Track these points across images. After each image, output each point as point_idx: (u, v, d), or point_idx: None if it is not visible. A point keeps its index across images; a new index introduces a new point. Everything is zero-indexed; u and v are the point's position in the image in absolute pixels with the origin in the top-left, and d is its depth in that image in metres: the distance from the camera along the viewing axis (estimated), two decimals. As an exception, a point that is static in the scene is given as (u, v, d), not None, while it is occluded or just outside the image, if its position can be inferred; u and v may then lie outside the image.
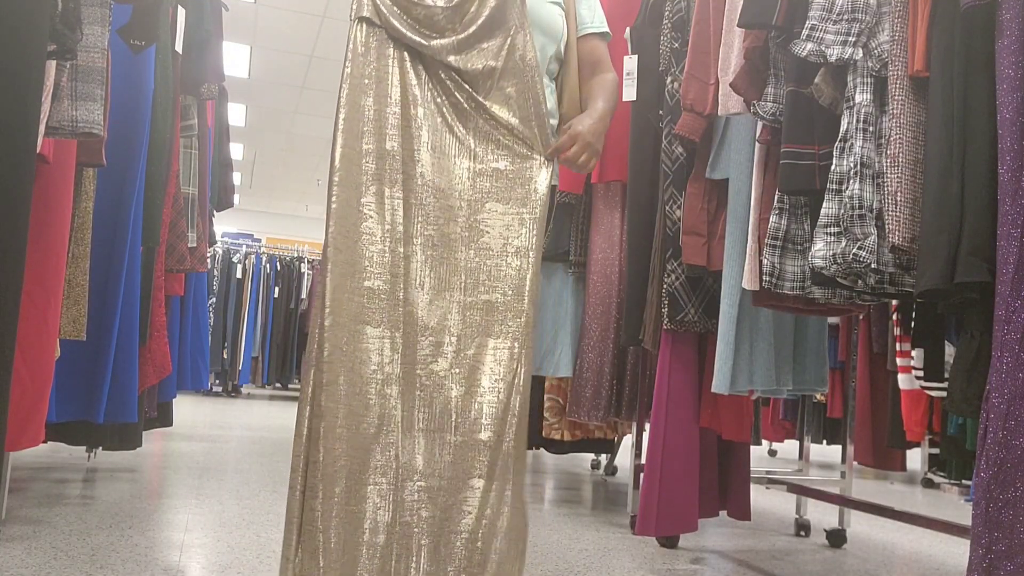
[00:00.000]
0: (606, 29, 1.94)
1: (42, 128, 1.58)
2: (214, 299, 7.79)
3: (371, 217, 1.68)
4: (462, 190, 1.73)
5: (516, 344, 1.71)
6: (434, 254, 1.71)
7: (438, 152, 1.73)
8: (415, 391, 1.65)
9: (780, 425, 4.98)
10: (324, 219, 1.71)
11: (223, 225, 10.55)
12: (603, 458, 4.45)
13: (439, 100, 1.74)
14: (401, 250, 1.69)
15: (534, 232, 1.76)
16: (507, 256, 1.73)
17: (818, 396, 4.59)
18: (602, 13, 1.97)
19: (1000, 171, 1.40)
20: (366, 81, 1.70)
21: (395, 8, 1.70)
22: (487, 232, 1.73)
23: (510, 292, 1.73)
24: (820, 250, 1.75)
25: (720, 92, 2.18)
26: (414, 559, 1.59)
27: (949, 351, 2.67)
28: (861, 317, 3.40)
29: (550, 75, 1.88)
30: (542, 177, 1.78)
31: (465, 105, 1.74)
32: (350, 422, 1.59)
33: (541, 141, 1.77)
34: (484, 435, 1.65)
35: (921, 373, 2.83)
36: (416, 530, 1.59)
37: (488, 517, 1.61)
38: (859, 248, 1.68)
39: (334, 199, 1.66)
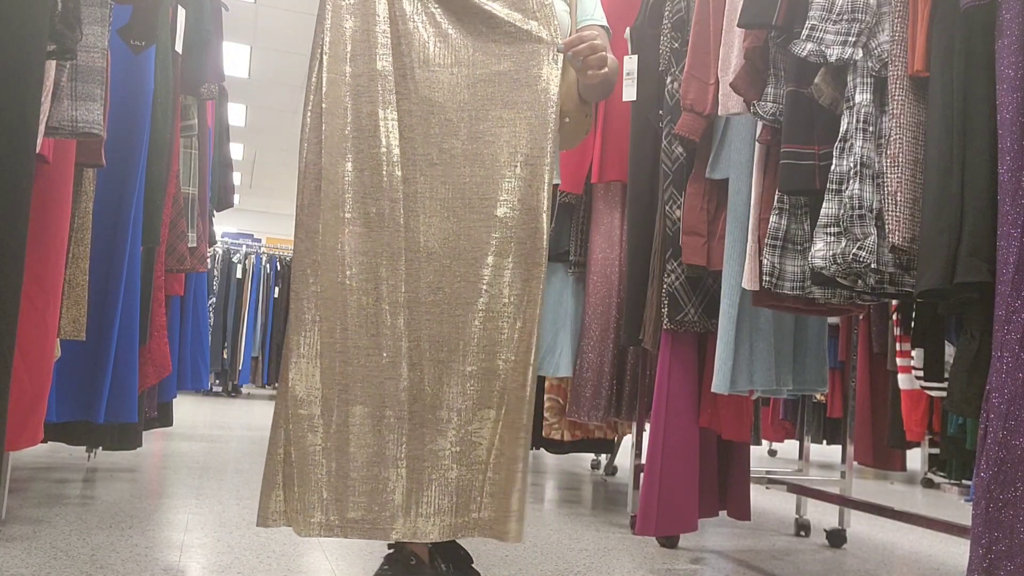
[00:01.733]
0: (606, 24, 1.92)
1: (42, 128, 1.58)
2: (214, 299, 7.80)
3: (364, 142, 1.56)
4: (461, 100, 1.59)
5: (528, 263, 1.58)
6: (434, 173, 1.58)
7: (433, 64, 1.59)
8: (422, 319, 1.54)
9: (780, 425, 4.98)
10: (305, 151, 1.57)
11: (223, 225, 10.54)
12: (603, 458, 4.45)
13: (432, 8, 1.61)
14: (399, 173, 1.56)
15: (546, 138, 1.60)
16: (515, 167, 1.59)
17: (818, 396, 4.59)
18: (602, 11, 1.96)
19: (1000, 171, 1.40)
20: (347, 2, 1.59)
21: None
22: (492, 142, 1.59)
23: (519, 206, 1.58)
24: (820, 250, 1.75)
25: (720, 92, 2.18)
26: (424, 492, 1.52)
27: (949, 351, 2.67)
28: (861, 317, 3.40)
29: None
30: (551, 76, 1.62)
31: (461, 8, 1.61)
32: (352, 356, 1.51)
33: (548, 34, 1.63)
34: (494, 363, 1.54)
35: (921, 373, 2.83)
36: (427, 464, 1.51)
37: (498, 448, 1.53)
38: (859, 248, 1.68)
39: (324, 128, 1.55)
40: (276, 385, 8.91)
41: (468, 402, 1.55)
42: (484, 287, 1.57)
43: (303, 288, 1.55)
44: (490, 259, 1.58)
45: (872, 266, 1.68)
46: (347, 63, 1.58)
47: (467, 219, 1.58)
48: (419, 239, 1.57)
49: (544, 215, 1.59)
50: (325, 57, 1.58)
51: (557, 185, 1.79)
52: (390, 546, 1.76)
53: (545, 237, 1.60)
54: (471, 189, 1.59)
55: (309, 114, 1.59)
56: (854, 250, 1.68)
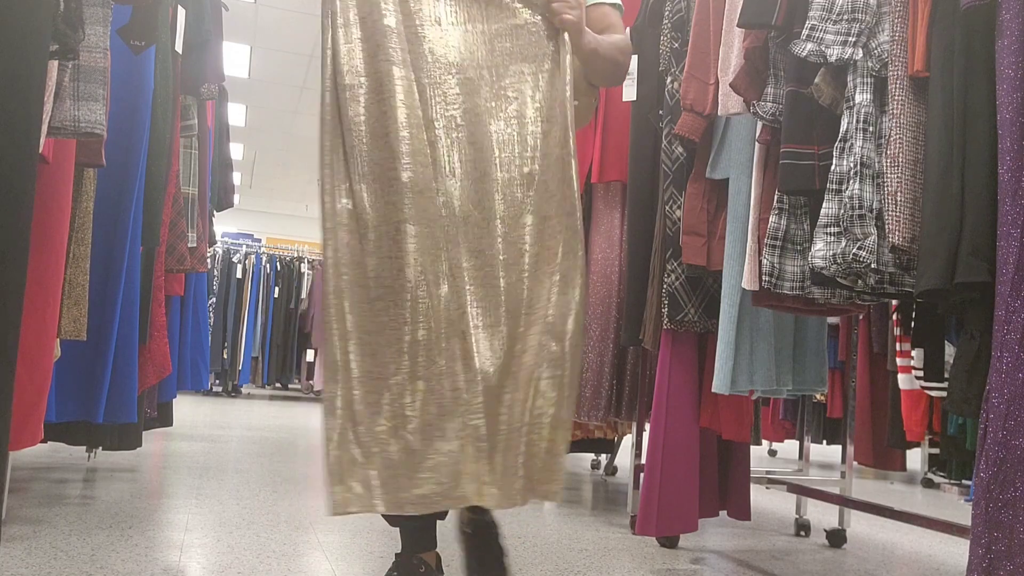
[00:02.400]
0: (619, 1, 1.87)
1: (44, 128, 1.58)
2: (214, 299, 7.79)
3: (383, 105, 1.49)
4: (480, 57, 1.56)
5: (563, 214, 1.54)
6: (460, 136, 1.53)
7: (446, 22, 1.55)
8: (465, 287, 1.48)
9: (780, 425, 4.98)
10: (319, 124, 1.51)
11: (223, 225, 10.54)
12: (603, 458, 4.45)
13: None
14: (425, 136, 1.50)
15: (566, 88, 1.58)
16: (540, 122, 1.56)
17: (818, 396, 4.59)
18: None
19: (1000, 171, 1.40)
20: None
21: None
22: (515, 98, 1.56)
23: (548, 160, 1.55)
24: (820, 250, 1.75)
25: (720, 92, 2.18)
26: (486, 461, 1.46)
27: (949, 351, 2.67)
28: (861, 317, 3.40)
29: None
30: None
31: None
32: (396, 328, 1.44)
33: None
34: (544, 323, 1.50)
35: (921, 373, 2.84)
36: (484, 432, 1.46)
37: (541, 407, 1.49)
38: (859, 248, 1.68)
39: (339, 98, 1.49)
40: (276, 385, 8.92)
41: (519, 367, 1.50)
42: (525, 247, 1.53)
43: (331, 274, 1.47)
44: (527, 217, 1.53)
45: (872, 266, 1.68)
46: (357, 27, 1.51)
47: (499, 178, 1.53)
48: (454, 203, 1.51)
49: (573, 164, 1.56)
50: (339, 30, 1.52)
51: None
52: (398, 554, 1.72)
53: (575, 185, 1.56)
54: (499, 147, 1.55)
55: (327, 92, 1.52)
56: (854, 250, 1.68)
